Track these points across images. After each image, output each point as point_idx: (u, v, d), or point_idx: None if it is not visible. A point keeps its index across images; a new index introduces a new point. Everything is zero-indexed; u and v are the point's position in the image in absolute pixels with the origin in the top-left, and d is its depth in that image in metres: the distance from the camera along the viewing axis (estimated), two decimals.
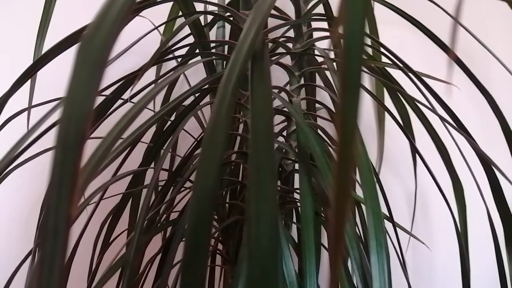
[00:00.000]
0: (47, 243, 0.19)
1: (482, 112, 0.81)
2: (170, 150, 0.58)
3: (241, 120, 0.56)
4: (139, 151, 0.59)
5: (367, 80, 0.74)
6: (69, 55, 0.51)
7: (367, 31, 0.70)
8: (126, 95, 0.55)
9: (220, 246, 0.65)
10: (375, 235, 0.40)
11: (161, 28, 0.76)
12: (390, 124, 0.81)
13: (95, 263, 0.62)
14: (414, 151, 0.72)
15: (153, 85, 0.57)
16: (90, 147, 0.26)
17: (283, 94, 0.58)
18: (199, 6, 0.69)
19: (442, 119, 0.53)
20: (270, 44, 0.58)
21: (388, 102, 0.67)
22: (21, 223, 0.88)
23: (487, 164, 0.52)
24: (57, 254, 0.19)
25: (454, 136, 0.55)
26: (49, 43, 0.52)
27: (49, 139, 0.51)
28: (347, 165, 0.18)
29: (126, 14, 0.21)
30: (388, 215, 0.57)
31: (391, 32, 0.79)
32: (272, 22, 0.58)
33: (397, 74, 0.60)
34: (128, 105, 0.47)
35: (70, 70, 0.21)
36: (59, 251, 0.19)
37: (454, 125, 0.54)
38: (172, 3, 0.70)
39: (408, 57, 0.56)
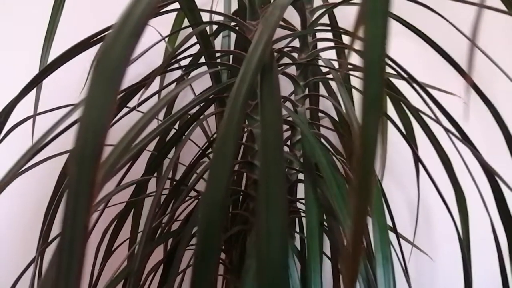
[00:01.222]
0: (64, 252, 0.19)
1: (485, 122, 0.82)
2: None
3: (246, 130, 0.56)
4: (141, 160, 0.59)
5: None
6: (74, 63, 0.51)
7: None
8: (131, 104, 0.55)
9: (222, 256, 0.65)
10: (381, 248, 0.40)
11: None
12: (393, 134, 0.82)
13: (96, 272, 0.61)
14: (417, 160, 0.72)
15: (157, 94, 0.57)
16: None
17: (288, 104, 0.58)
18: (205, 15, 0.69)
19: (445, 129, 0.53)
20: (275, 54, 0.58)
21: (391, 111, 0.67)
22: (22, 231, 0.87)
23: (491, 174, 0.52)
24: (74, 263, 0.19)
25: (457, 146, 0.55)
26: (55, 50, 0.53)
27: (50, 147, 0.51)
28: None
29: (144, 25, 0.22)
30: (391, 225, 0.57)
31: (396, 42, 0.79)
32: (278, 32, 0.58)
33: (400, 84, 0.60)
34: (133, 114, 0.47)
35: (85, 78, 0.21)
36: (76, 260, 0.19)
37: (458, 135, 0.54)
38: (177, 12, 0.70)
39: (412, 68, 0.57)
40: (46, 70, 0.45)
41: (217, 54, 0.64)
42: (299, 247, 0.66)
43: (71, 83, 0.79)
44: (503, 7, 0.45)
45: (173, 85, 0.64)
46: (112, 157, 0.30)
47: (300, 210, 0.63)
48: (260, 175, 0.29)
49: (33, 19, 0.87)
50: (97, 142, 0.20)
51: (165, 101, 0.37)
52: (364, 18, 0.18)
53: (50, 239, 0.56)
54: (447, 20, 0.55)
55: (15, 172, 0.32)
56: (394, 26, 0.59)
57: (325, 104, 0.81)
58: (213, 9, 0.61)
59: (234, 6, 0.67)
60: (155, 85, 0.81)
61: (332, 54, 0.77)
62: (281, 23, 0.65)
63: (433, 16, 0.57)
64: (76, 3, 0.84)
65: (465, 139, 0.54)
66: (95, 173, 0.20)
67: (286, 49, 0.58)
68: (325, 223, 0.57)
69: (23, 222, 0.87)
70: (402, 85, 0.60)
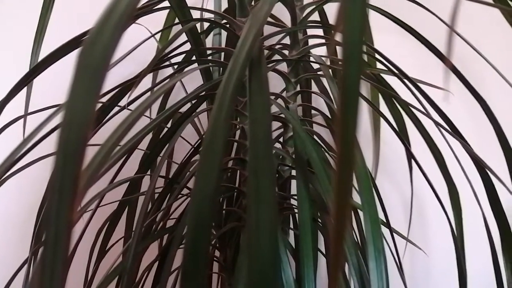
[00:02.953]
0: (48, 249, 0.19)
1: (476, 116, 0.82)
2: (167, 157, 0.57)
3: (238, 127, 0.56)
4: (135, 158, 0.59)
5: (362, 86, 0.75)
6: (64, 62, 0.51)
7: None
8: (122, 102, 0.55)
9: (217, 253, 0.65)
10: (373, 241, 0.40)
11: (157, 35, 0.76)
12: (385, 130, 0.82)
13: (91, 271, 0.61)
14: (410, 156, 0.72)
15: (149, 92, 0.57)
16: (87, 153, 0.26)
17: (279, 101, 0.59)
18: (196, 13, 0.69)
19: (436, 124, 0.53)
20: (266, 51, 0.58)
21: (383, 108, 0.68)
22: (17, 231, 0.87)
23: (482, 168, 0.53)
24: (58, 260, 0.19)
25: (448, 140, 0.55)
26: (45, 49, 0.52)
27: (45, 146, 0.51)
28: (347, 176, 0.18)
29: (127, 21, 0.22)
30: (385, 221, 0.57)
31: (386, 38, 0.79)
32: (268, 29, 0.58)
33: (392, 80, 0.61)
34: (124, 112, 0.47)
35: (71, 76, 0.21)
36: (60, 257, 0.19)
37: (449, 129, 0.54)
38: (168, 10, 0.70)
39: (402, 63, 0.57)
40: (36, 69, 0.45)
41: (209, 52, 0.64)
42: (294, 245, 0.67)
43: (65, 82, 0.79)
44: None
45: (165, 83, 0.64)
46: (100, 154, 0.30)
47: (294, 207, 0.63)
48: (249, 169, 0.29)
49: (24, 17, 0.87)
50: (81, 136, 0.20)
51: (153, 97, 0.37)
52: (344, 8, 0.18)
53: (43, 239, 0.56)
54: (431, 11, 0.56)
55: (4, 170, 0.32)
56: (386, 23, 0.59)
57: (318, 101, 0.82)
58: (204, 7, 0.61)
59: (225, 4, 0.68)
60: (148, 84, 0.81)
61: (323, 51, 0.78)
62: (272, 20, 0.65)
63: (422, 11, 0.58)
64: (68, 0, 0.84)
65: (456, 133, 0.54)
66: (79, 167, 0.20)
67: (277, 46, 0.58)
68: (319, 220, 0.57)
69: (19, 222, 0.87)
70: (393, 82, 0.60)
